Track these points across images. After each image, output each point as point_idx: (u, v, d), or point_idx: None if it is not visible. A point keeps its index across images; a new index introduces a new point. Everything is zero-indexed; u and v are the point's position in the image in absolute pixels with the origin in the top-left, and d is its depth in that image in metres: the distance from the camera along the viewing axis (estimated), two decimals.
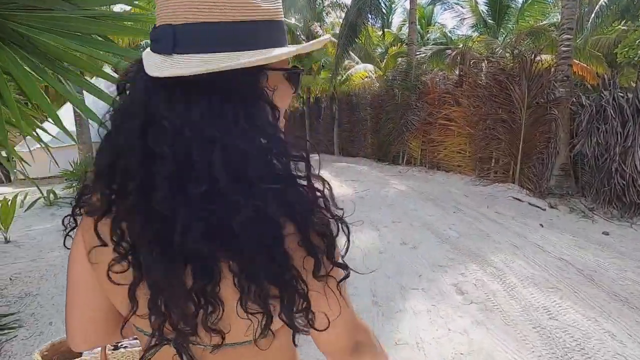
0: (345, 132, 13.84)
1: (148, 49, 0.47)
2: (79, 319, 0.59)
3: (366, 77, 12.88)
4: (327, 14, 16.91)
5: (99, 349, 0.89)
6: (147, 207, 0.43)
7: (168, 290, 0.45)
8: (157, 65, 0.43)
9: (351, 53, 14.09)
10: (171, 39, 0.43)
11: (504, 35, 12.18)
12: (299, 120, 19.74)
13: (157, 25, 0.45)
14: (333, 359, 0.58)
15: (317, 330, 0.50)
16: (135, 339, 0.88)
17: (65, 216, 0.55)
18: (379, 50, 18.09)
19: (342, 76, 13.72)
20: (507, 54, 7.40)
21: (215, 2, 0.43)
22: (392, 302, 2.95)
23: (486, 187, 7.07)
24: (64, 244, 0.56)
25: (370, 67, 12.91)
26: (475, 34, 12.84)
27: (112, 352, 0.91)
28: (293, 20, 16.96)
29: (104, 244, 0.49)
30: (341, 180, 8.38)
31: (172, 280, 0.44)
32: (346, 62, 14.42)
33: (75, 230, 0.55)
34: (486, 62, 7.70)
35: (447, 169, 8.83)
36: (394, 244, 4.21)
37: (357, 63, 13.84)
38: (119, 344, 0.92)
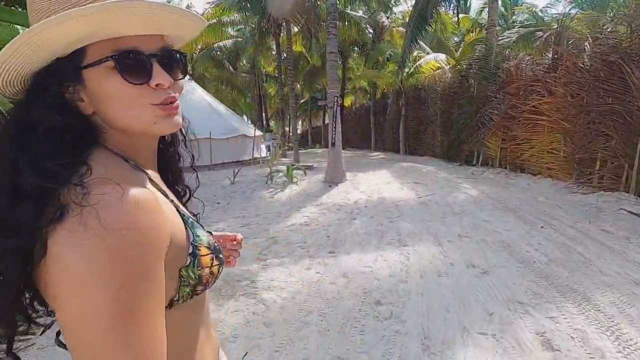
0: (412, 128, 12.81)
1: None
2: None
3: (437, 68, 11.70)
4: (395, 2, 15.91)
5: None
6: None
7: None
8: None
9: (421, 42, 13.01)
10: None
11: (614, 10, 9.99)
12: (364, 117, 19.01)
13: None
14: None
15: None
16: None
17: None
18: (455, 39, 16.48)
19: (410, 68, 12.69)
20: (622, 28, 5.86)
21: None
22: (449, 349, 2.24)
23: (588, 196, 5.68)
24: None
25: (442, 56, 11.70)
26: (575, 11, 10.78)
27: None
28: (360, 13, 16.32)
29: None
30: (402, 182, 7.58)
31: None
32: (415, 52, 13.35)
33: None
34: (591, 41, 6.21)
35: (534, 171, 7.43)
36: (459, 266, 3.41)
37: (427, 53, 12.67)
38: None
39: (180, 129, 0.62)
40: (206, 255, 0.53)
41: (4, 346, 0.48)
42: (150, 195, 0.45)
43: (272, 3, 11.04)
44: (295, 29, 14.79)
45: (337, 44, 8.21)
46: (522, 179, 7.39)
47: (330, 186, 7.71)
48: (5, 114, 0.50)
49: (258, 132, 13.11)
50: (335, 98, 8.01)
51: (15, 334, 0.47)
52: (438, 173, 8.66)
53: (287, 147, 14.84)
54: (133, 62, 0.47)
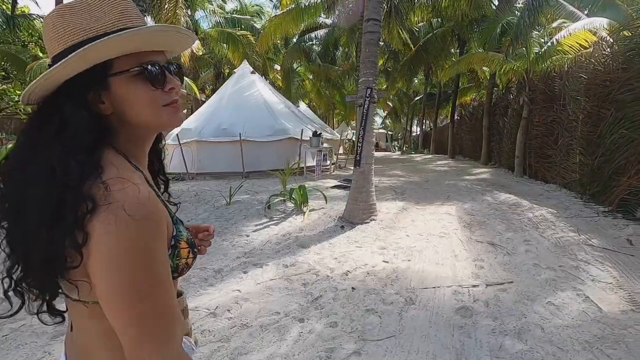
0: (537, 139, 8.37)
1: None
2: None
3: (586, 42, 7.12)
4: None
5: None
6: None
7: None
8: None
9: (564, 2, 8.41)
10: None
11: None
12: (477, 120, 14.45)
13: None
14: None
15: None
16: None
17: None
18: None
19: (541, 45, 8.30)
20: None
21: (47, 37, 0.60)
22: None
23: None
24: None
25: (601, 22, 7.01)
26: None
27: None
28: None
29: None
30: (470, 239, 4.25)
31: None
32: (555, 23, 8.78)
33: None
34: None
35: None
36: None
37: (575, 20, 7.98)
38: None
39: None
40: (184, 248, 0.67)
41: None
42: (153, 192, 0.59)
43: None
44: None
45: (380, 6, 5.21)
46: None
47: (342, 227, 4.95)
48: (29, 115, 0.59)
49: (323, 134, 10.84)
50: (368, 90, 5.11)
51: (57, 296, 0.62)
52: (554, 226, 4.76)
53: (335, 162, 11.93)
54: (155, 71, 0.62)
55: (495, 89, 13.33)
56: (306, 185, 6.21)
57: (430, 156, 20.02)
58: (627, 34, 5.51)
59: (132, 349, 0.54)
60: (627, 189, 4.70)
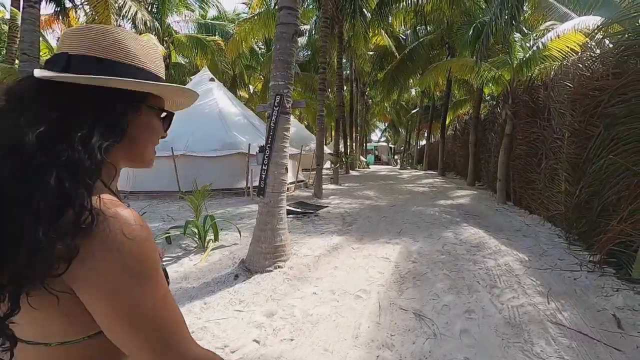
0: (521, 160, 7.08)
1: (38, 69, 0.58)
2: None
3: (578, 46, 5.92)
4: None
5: None
6: None
7: None
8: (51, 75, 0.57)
9: (553, 1, 7.30)
10: (64, 62, 0.58)
11: None
12: (468, 135, 13.15)
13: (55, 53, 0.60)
14: None
15: None
16: None
17: None
18: None
19: (526, 52, 7.11)
20: None
21: (100, 43, 0.61)
22: None
23: None
24: None
25: (591, 20, 5.79)
26: None
27: None
28: None
29: None
30: (393, 302, 2.96)
31: None
32: (544, 25, 7.63)
33: None
34: None
35: None
36: None
37: (565, 21, 6.77)
38: None
39: None
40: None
41: None
42: None
43: None
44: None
45: None
46: None
47: (236, 277, 3.74)
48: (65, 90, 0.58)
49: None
50: (277, 98, 3.94)
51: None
52: (518, 284, 3.46)
53: (304, 180, 10.70)
54: (170, 118, 0.74)
55: (489, 101, 12.09)
56: (245, 210, 5.01)
57: (421, 173, 18.75)
58: (619, 29, 4.29)
59: None
60: (618, 237, 3.39)
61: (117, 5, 10.59)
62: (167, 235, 4.67)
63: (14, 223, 0.49)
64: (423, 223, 5.94)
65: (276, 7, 10.28)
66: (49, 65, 0.59)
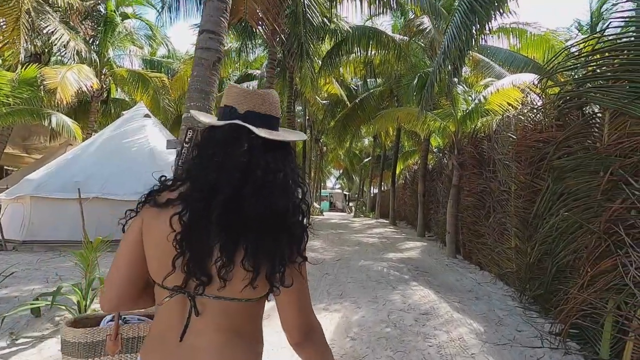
0: (469, 212, 6.83)
1: (236, 120, 0.79)
2: (120, 278, 0.83)
3: (517, 100, 6.01)
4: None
5: (112, 323, 1.40)
6: (210, 203, 0.73)
7: (199, 250, 0.73)
8: (266, 132, 0.77)
9: (489, 61, 7.61)
10: (258, 119, 0.79)
11: None
12: (417, 185, 13.15)
13: (242, 112, 0.80)
14: (291, 337, 0.83)
15: (285, 286, 0.76)
16: (140, 319, 1.55)
17: (127, 210, 0.85)
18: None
19: (469, 105, 7.20)
20: None
21: (275, 105, 0.84)
22: None
23: None
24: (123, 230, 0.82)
25: (527, 77, 5.97)
26: None
27: (122, 325, 1.45)
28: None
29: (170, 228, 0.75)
30: None
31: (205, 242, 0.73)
32: (483, 81, 7.87)
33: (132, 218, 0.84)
34: None
35: None
36: None
37: (503, 76, 7.02)
38: (127, 320, 1.50)
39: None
40: None
41: None
42: None
43: None
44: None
45: (221, 15, 3.59)
46: None
47: None
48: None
49: None
50: (189, 133, 3.23)
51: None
52: None
53: None
54: None
55: (436, 152, 12.31)
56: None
57: (373, 221, 18.49)
58: (560, 79, 4.24)
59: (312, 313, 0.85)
60: (581, 308, 2.92)
61: (46, 30, 9.68)
62: (33, 305, 3.48)
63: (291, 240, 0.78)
64: (369, 282, 5.24)
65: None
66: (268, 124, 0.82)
